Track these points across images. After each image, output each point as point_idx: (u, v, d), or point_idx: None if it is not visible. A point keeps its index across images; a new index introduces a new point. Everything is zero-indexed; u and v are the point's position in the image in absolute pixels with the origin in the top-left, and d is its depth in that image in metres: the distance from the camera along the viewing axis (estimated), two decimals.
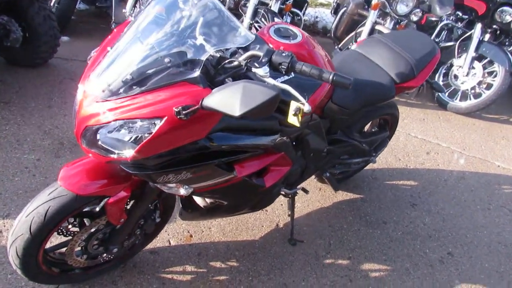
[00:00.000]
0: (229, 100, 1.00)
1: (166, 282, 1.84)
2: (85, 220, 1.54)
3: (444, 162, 3.32)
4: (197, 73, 1.17)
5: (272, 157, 1.59)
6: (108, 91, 1.18)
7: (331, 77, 1.16)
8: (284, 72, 1.21)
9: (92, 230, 1.55)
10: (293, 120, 1.15)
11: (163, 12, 1.27)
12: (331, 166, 2.31)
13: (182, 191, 1.43)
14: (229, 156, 1.41)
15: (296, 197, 2.25)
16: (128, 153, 1.19)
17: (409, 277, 2.14)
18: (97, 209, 1.49)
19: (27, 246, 1.38)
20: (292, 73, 1.31)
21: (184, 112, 1.10)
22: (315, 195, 2.61)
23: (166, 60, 1.18)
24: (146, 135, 1.16)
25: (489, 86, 4.15)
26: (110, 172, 1.43)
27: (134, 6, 3.85)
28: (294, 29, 1.56)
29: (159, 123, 1.14)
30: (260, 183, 1.62)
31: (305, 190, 2.16)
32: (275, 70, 1.21)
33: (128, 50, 1.22)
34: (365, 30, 3.93)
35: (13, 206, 2.05)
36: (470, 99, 4.22)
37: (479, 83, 4.21)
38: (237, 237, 2.17)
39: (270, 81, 1.19)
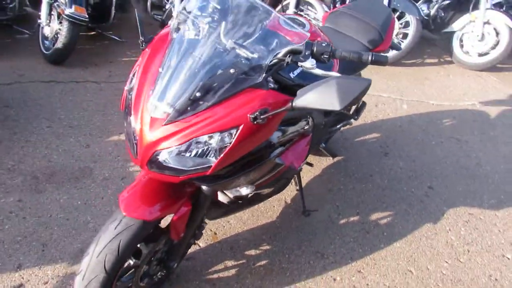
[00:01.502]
0: (325, 97, 1.07)
1: (215, 283, 1.89)
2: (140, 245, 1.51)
3: (392, 110, 3.74)
4: (261, 77, 1.22)
5: (306, 140, 1.70)
6: (175, 112, 1.18)
7: (370, 57, 1.26)
8: (326, 61, 1.29)
9: (156, 251, 1.53)
10: None
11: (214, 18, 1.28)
12: (328, 137, 2.49)
13: (245, 191, 1.48)
14: (278, 148, 1.49)
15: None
16: (207, 168, 1.21)
17: (410, 216, 2.46)
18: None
19: (103, 285, 1.33)
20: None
21: (262, 116, 1.16)
22: (304, 167, 2.79)
23: (232, 71, 1.21)
24: (225, 146, 1.19)
25: (405, 36, 4.68)
26: (167, 190, 1.42)
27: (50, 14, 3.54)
28: (298, 18, 1.65)
29: (235, 132, 1.18)
30: (295, 166, 1.73)
31: (309, 164, 2.32)
32: (318, 61, 1.29)
33: (185, 67, 1.21)
34: (291, 1, 4.12)
35: (20, 254, 1.88)
36: (391, 50, 4.72)
37: (396, 34, 4.73)
38: (257, 223, 2.26)
39: (318, 71, 1.28)
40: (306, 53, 1.25)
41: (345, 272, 2.04)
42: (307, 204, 2.41)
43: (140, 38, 1.37)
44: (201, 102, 1.19)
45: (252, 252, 2.08)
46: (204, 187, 1.44)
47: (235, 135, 1.18)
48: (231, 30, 1.27)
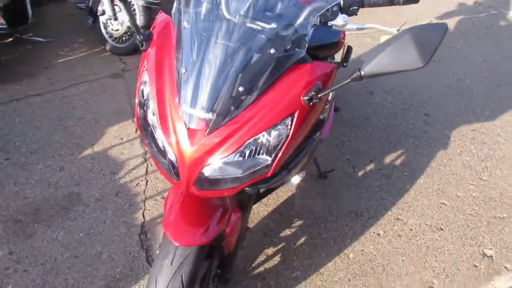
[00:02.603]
0: (403, 56, 0.91)
1: (265, 276, 1.77)
2: None
3: (357, 46, 3.67)
4: (303, 50, 1.05)
5: (333, 106, 1.58)
6: (216, 117, 0.98)
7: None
8: (356, 13, 1.17)
9: (211, 269, 1.36)
10: None
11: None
12: None
13: (296, 180, 1.34)
14: (324, 122, 1.35)
15: None
16: (265, 169, 1.05)
17: (420, 149, 2.46)
18: None
19: None
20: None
21: (319, 95, 1.01)
22: None
23: (272, 51, 1.01)
24: (282, 140, 1.03)
25: None
26: (212, 204, 1.24)
27: None
28: None
29: (291, 121, 1.02)
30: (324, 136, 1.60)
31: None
32: (348, 15, 1.16)
33: (214, 60, 1.00)
34: None
35: None
36: None
37: None
38: (278, 201, 2.14)
39: (352, 26, 1.15)
40: (334, 9, 1.12)
41: (385, 224, 1.99)
42: (320, 166, 2.32)
43: (137, 37, 1.11)
44: (243, 97, 1.01)
45: (287, 232, 1.97)
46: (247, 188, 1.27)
47: (291, 124, 1.03)
48: (256, 3, 1.06)
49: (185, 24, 1.07)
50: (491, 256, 1.84)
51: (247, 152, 1.03)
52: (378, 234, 1.94)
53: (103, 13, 3.42)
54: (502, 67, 3.30)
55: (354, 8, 1.13)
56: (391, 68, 0.92)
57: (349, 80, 0.98)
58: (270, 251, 1.87)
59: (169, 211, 1.20)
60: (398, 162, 2.36)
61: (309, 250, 1.87)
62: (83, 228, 1.98)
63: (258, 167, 1.04)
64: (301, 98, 1.02)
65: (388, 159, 2.37)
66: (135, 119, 1.18)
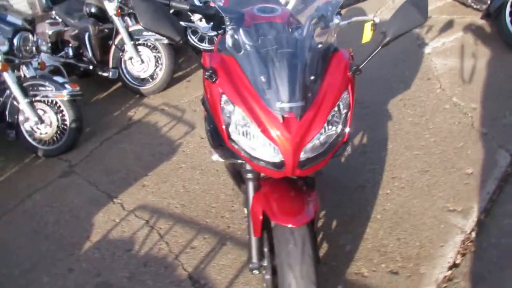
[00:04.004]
0: (409, 18, 1.28)
1: (327, 262, 1.96)
2: None
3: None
4: (334, 42, 1.39)
5: None
6: (302, 104, 1.24)
7: None
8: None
9: None
10: (369, 36, 1.55)
11: None
12: None
13: (348, 151, 1.62)
14: None
15: None
16: (342, 135, 1.35)
17: (373, 128, 2.94)
18: None
19: None
20: None
21: (360, 66, 1.34)
22: None
23: (319, 46, 1.35)
24: (347, 109, 1.34)
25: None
26: (299, 188, 1.47)
27: None
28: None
29: (348, 94, 1.33)
30: None
31: None
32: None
33: (283, 62, 1.27)
34: (124, 37, 4.04)
35: None
36: None
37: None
38: None
39: (344, 22, 1.50)
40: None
41: (387, 185, 2.37)
42: None
43: (206, 73, 1.33)
44: (313, 85, 1.29)
45: (321, 220, 2.19)
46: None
47: (350, 96, 1.34)
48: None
49: (247, 47, 1.34)
50: (472, 173, 2.32)
51: (330, 126, 1.31)
52: (387, 193, 2.29)
53: (27, 120, 3.36)
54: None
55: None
56: (405, 29, 1.31)
57: (380, 47, 1.33)
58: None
59: (270, 205, 1.39)
60: (364, 141, 2.80)
61: (344, 227, 2.12)
62: None
63: (336, 136, 1.33)
64: (348, 74, 1.34)
65: (356, 142, 2.80)
66: (224, 141, 1.37)
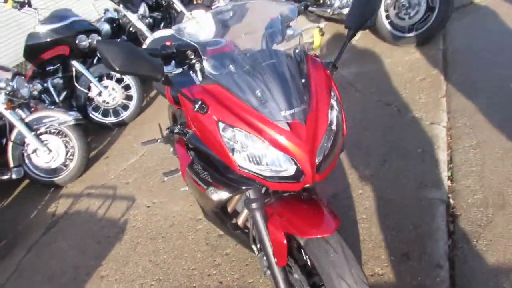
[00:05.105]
0: (362, 9, 1.40)
1: None
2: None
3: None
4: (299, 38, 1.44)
5: None
6: (303, 107, 1.25)
7: None
8: None
9: None
10: (318, 41, 1.66)
11: None
12: None
13: None
14: None
15: None
16: (342, 129, 1.38)
17: None
18: None
19: None
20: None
21: (336, 63, 1.43)
22: None
23: (297, 52, 1.38)
24: (338, 102, 1.39)
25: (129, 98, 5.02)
26: (309, 197, 1.45)
27: None
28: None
29: (335, 90, 1.39)
30: None
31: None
32: None
33: (271, 73, 1.28)
34: (22, 130, 3.69)
35: None
36: None
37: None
38: None
39: (299, 30, 1.61)
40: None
41: (377, 163, 2.44)
42: None
43: (195, 106, 1.26)
44: (305, 87, 1.31)
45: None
46: None
47: (336, 91, 1.39)
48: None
49: (231, 69, 1.31)
50: (422, 151, 2.52)
51: (331, 120, 1.32)
52: (360, 193, 2.36)
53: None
54: None
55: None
56: (364, 19, 1.41)
57: (348, 40, 1.42)
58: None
59: (293, 223, 1.33)
60: None
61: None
62: None
63: (337, 131, 1.34)
64: (327, 72, 1.39)
65: None
66: (233, 170, 1.30)
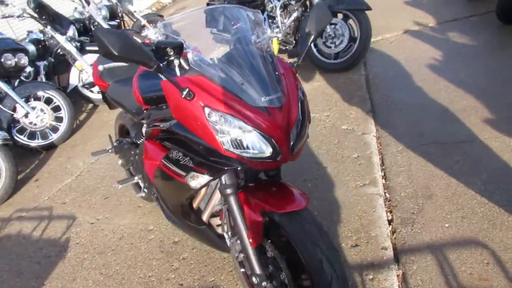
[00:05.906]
0: (319, 17, 1.66)
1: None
2: None
3: None
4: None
5: None
6: (279, 94, 1.43)
7: None
8: None
9: None
10: (276, 49, 1.90)
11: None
12: None
13: None
14: None
15: None
16: (307, 112, 1.59)
17: None
18: None
19: None
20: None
21: (299, 62, 1.67)
22: None
23: (268, 49, 1.57)
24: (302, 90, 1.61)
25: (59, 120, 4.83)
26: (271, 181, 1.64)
27: None
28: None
29: (300, 84, 1.61)
30: None
31: None
32: None
33: (247, 58, 1.45)
34: None
35: None
36: None
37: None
38: None
39: None
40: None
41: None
42: None
43: (182, 93, 1.37)
44: (277, 76, 1.50)
45: None
46: None
47: (300, 85, 1.61)
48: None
49: (215, 61, 1.46)
50: (358, 156, 2.84)
51: (298, 105, 1.53)
52: (325, 166, 2.58)
53: None
54: None
55: None
56: (322, 25, 1.67)
57: (309, 43, 1.66)
58: None
59: (269, 201, 1.51)
60: None
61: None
62: None
63: (304, 119, 1.54)
64: (293, 69, 1.62)
65: None
66: (218, 151, 1.42)
